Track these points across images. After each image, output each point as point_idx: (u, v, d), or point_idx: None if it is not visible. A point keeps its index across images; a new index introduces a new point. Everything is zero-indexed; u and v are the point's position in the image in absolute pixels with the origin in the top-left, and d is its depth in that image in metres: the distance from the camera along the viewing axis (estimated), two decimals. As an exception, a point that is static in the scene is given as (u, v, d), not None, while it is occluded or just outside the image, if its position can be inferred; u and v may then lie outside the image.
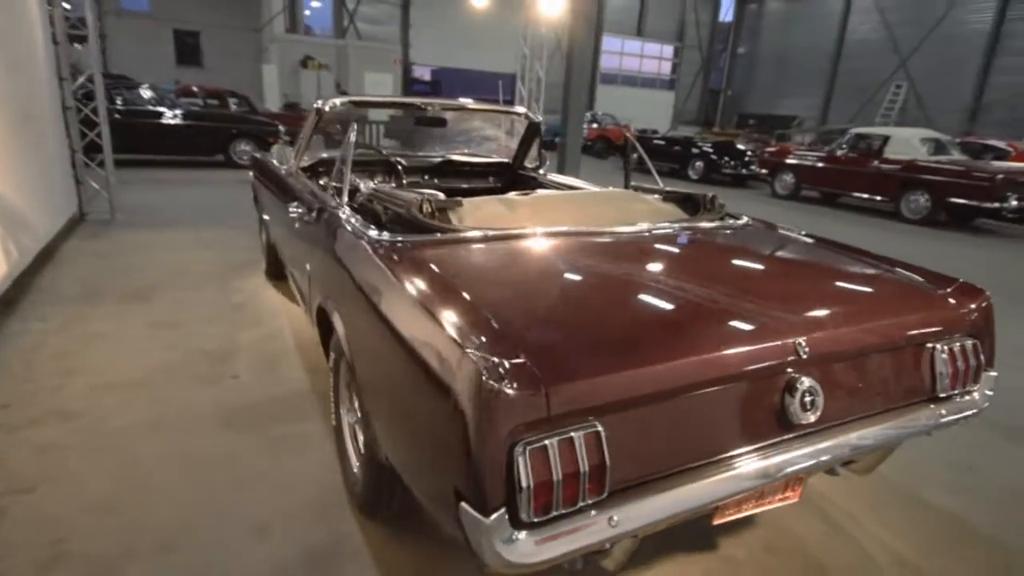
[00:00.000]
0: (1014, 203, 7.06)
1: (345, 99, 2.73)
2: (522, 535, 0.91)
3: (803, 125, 21.95)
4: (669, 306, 1.26)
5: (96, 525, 1.61)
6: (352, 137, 2.01)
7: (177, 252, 4.39)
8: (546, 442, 0.92)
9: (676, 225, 1.94)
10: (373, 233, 1.60)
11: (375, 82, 19.67)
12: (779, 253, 1.83)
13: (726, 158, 11.62)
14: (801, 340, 1.18)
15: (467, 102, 3.00)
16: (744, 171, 11.47)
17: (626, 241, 1.76)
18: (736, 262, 1.72)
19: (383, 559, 1.55)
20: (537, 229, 1.71)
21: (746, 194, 10.79)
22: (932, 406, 1.40)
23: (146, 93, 9.08)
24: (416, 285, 1.26)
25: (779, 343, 1.16)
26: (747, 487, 1.12)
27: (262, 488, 1.81)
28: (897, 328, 1.36)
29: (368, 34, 20.44)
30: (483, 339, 1.00)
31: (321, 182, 2.78)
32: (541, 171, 3.43)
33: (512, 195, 1.89)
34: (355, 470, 1.73)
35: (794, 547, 1.69)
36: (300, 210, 2.19)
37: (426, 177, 3.40)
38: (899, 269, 1.66)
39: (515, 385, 0.91)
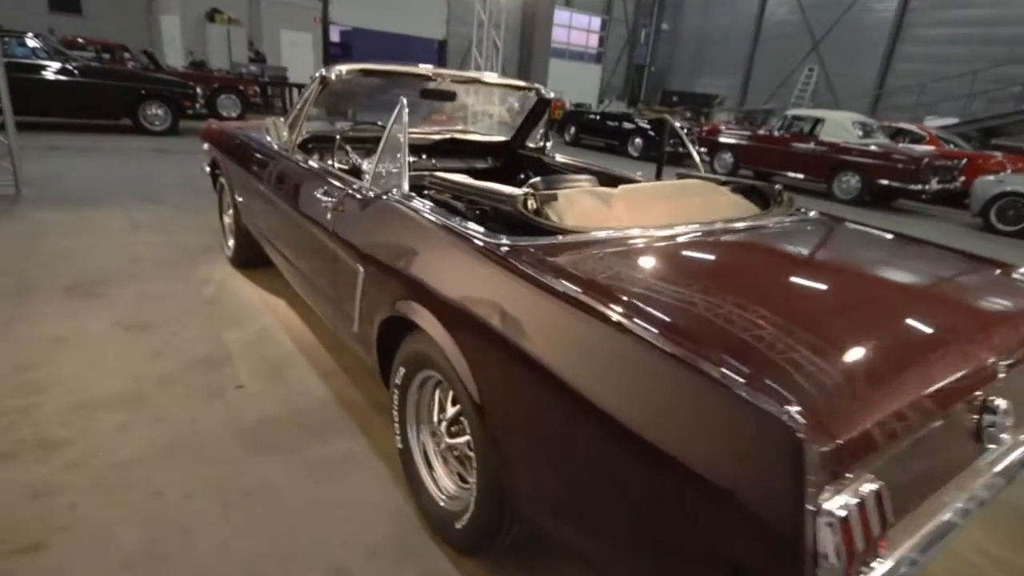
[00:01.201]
0: (935, 186, 7.76)
1: (354, 67, 2.42)
2: None
3: (723, 104, 22.95)
4: (871, 325, 1.13)
5: (142, 586, 1.35)
6: (405, 114, 1.77)
7: (112, 236, 3.82)
8: (844, 501, 0.77)
9: (786, 220, 1.84)
10: (487, 235, 1.38)
11: (292, 42, 18.25)
12: (897, 255, 1.73)
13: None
14: (996, 359, 1.12)
15: (479, 75, 2.76)
16: (682, 149, 11.81)
17: (753, 242, 1.61)
18: (873, 267, 1.58)
19: (491, 594, 1.42)
20: (659, 229, 1.54)
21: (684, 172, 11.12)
22: None
23: (32, 43, 7.81)
24: (605, 309, 1.04)
25: (982, 361, 1.10)
26: (968, 511, 1.07)
27: (322, 523, 1.60)
28: None
29: (284, -13, 18.77)
30: (758, 383, 0.84)
31: (313, 160, 2.47)
32: (547, 151, 3.27)
33: (599, 187, 1.74)
34: (441, 503, 1.55)
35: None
36: (331, 198, 1.92)
37: (423, 156, 3.14)
38: (983, 264, 1.66)
39: (819, 438, 0.76)
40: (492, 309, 1.22)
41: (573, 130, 13.63)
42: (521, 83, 2.91)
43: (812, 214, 2.00)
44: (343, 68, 2.40)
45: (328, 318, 2.16)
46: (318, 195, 1.99)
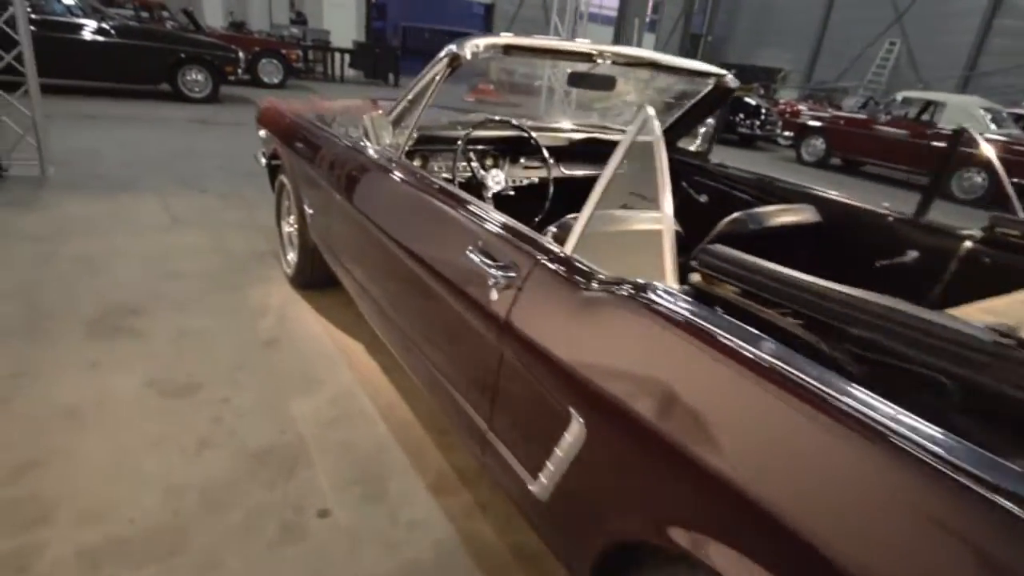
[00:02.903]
0: (1080, 187, 6.63)
1: (494, 41, 1.64)
2: None
3: (787, 80, 21.22)
4: None
5: None
6: (655, 128, 1.00)
7: (147, 237, 3.17)
8: None
9: None
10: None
11: (335, 3, 17.36)
12: None
13: (741, 115, 10.76)
14: None
15: (651, 55, 1.95)
16: (760, 132, 10.67)
17: None
18: None
19: None
20: None
21: (763, 158, 10.04)
22: None
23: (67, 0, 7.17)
24: None
25: None
26: None
27: None
28: None
29: (327, -57, 17.74)
30: None
31: (428, 172, 1.70)
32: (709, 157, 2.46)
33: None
34: None
35: None
36: (501, 268, 1.16)
37: (550, 160, 2.36)
38: None
39: None
40: None
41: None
42: (706, 67, 2.09)
43: None
44: (480, 43, 1.62)
45: (458, 430, 1.44)
46: (473, 255, 1.24)
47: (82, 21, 7.03)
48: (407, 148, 1.74)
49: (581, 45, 1.79)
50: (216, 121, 6.78)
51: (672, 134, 2.54)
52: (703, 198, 2.41)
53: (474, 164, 2.03)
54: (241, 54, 8.42)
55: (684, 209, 2.44)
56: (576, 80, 1.94)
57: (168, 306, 2.46)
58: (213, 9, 15.12)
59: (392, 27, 22.04)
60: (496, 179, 2.02)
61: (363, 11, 17.24)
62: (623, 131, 2.67)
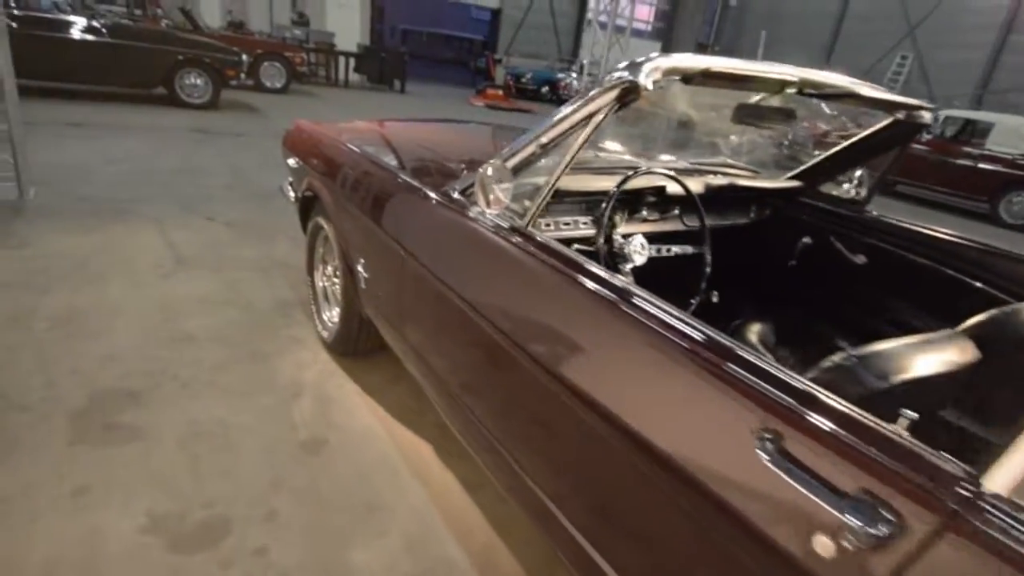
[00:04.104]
0: None
1: (675, 64, 1.11)
2: None
3: (795, 92, 20.92)
4: None
5: None
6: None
7: (146, 280, 2.61)
8: None
9: None
10: None
11: (339, 3, 16.85)
12: None
13: (766, 130, 10.33)
14: None
15: (854, 85, 1.44)
16: (786, 151, 10.25)
17: None
18: None
19: None
20: None
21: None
22: None
23: (53, -6, 6.63)
24: None
25: None
26: None
27: None
28: None
29: (329, -57, 17.20)
30: None
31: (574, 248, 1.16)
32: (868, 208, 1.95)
33: None
34: None
35: None
36: (875, 530, 0.57)
37: (677, 210, 1.83)
38: None
39: None
40: None
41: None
42: (901, 98, 1.59)
43: None
44: (662, 64, 1.09)
45: None
46: (770, 461, 0.69)
47: (70, 18, 6.46)
48: (538, 212, 1.21)
49: (789, 71, 1.27)
50: (218, 131, 6.21)
51: (817, 177, 2.04)
52: (860, 259, 1.90)
53: (615, 230, 1.51)
54: (244, 56, 7.86)
55: (836, 273, 1.94)
56: (745, 114, 1.43)
57: (175, 388, 1.91)
58: (210, 8, 14.51)
59: (390, 30, 21.46)
60: (639, 249, 1.49)
61: (367, 13, 16.67)
62: (752, 171, 2.17)
